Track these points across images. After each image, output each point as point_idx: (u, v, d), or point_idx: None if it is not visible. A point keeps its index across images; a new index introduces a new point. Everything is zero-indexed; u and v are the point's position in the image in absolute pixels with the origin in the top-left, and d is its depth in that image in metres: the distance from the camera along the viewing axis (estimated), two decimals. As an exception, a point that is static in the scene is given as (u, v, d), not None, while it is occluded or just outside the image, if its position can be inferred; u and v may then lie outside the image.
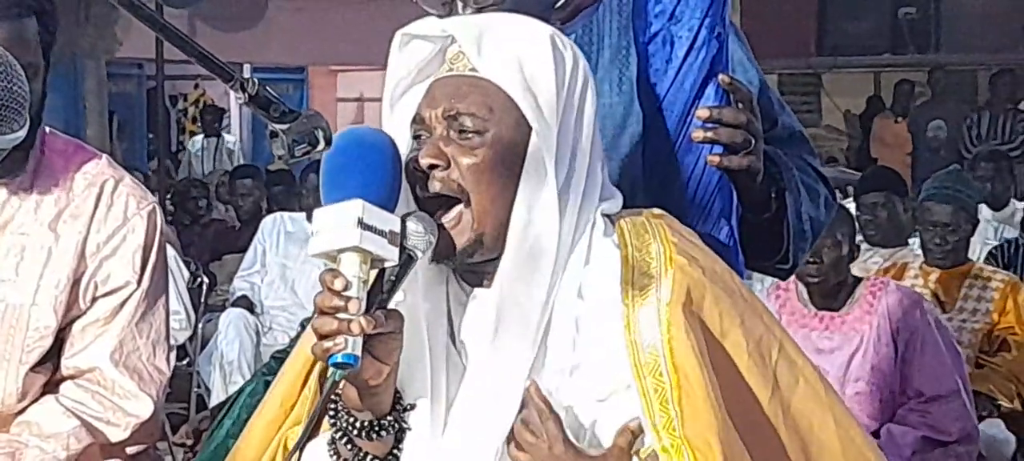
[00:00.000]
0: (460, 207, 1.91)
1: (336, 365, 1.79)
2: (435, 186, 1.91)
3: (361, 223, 1.79)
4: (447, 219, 1.91)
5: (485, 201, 1.91)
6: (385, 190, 1.86)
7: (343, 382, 1.84)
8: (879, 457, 2.02)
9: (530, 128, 1.92)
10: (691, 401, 1.86)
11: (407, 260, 1.85)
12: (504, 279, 1.91)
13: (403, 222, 1.85)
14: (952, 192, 5.54)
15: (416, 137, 1.95)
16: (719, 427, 1.84)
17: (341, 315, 1.78)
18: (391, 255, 1.82)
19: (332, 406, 1.90)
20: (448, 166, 1.91)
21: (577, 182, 1.95)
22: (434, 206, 1.92)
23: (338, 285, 1.79)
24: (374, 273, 1.83)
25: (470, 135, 1.91)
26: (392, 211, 1.85)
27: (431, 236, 1.87)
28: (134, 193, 2.58)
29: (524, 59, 1.94)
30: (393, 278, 1.84)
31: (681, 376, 1.86)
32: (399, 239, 1.83)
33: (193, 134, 14.79)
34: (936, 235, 5.42)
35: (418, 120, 1.95)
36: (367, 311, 1.80)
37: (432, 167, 1.91)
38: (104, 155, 2.61)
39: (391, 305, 1.85)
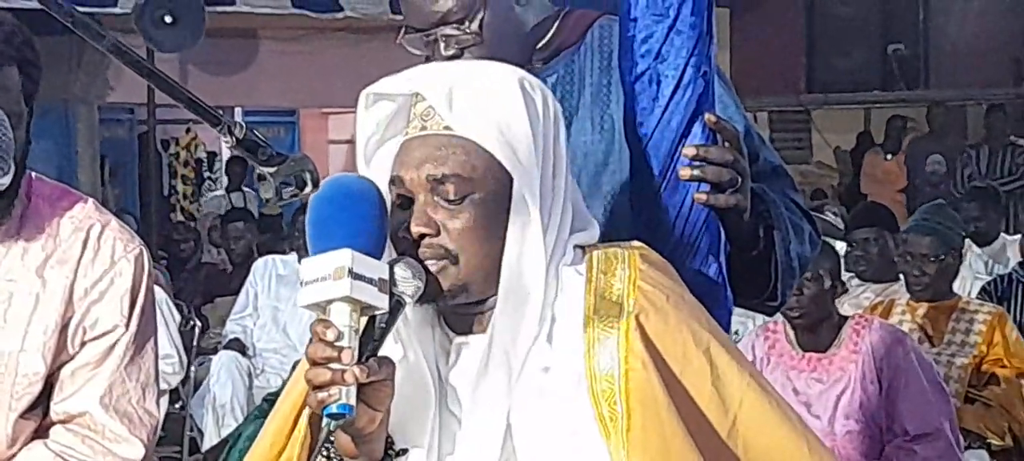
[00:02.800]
0: (446, 262, 1.92)
1: (331, 416, 1.79)
2: (424, 253, 1.91)
3: (351, 273, 1.80)
4: (432, 266, 1.91)
5: (474, 259, 1.92)
6: (372, 238, 1.87)
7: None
8: None
9: (511, 178, 1.92)
10: (640, 436, 1.87)
11: (396, 306, 1.86)
12: (496, 327, 1.93)
13: (391, 268, 1.85)
14: (932, 224, 5.54)
15: (398, 203, 1.94)
16: None
17: (334, 365, 1.79)
18: (381, 302, 1.83)
19: (325, 452, 1.90)
20: (437, 233, 1.91)
21: (554, 219, 1.97)
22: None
23: (330, 336, 1.79)
24: (364, 320, 1.84)
25: (455, 200, 1.91)
26: (380, 258, 1.86)
27: (419, 281, 1.88)
28: (121, 237, 2.58)
29: (497, 111, 1.93)
30: (383, 325, 1.85)
31: (632, 409, 1.88)
32: (388, 286, 1.84)
33: (186, 180, 14.74)
34: (914, 266, 5.43)
35: (398, 182, 1.94)
36: (359, 359, 1.80)
37: (422, 235, 1.91)
38: (90, 199, 2.61)
39: (383, 353, 1.86)
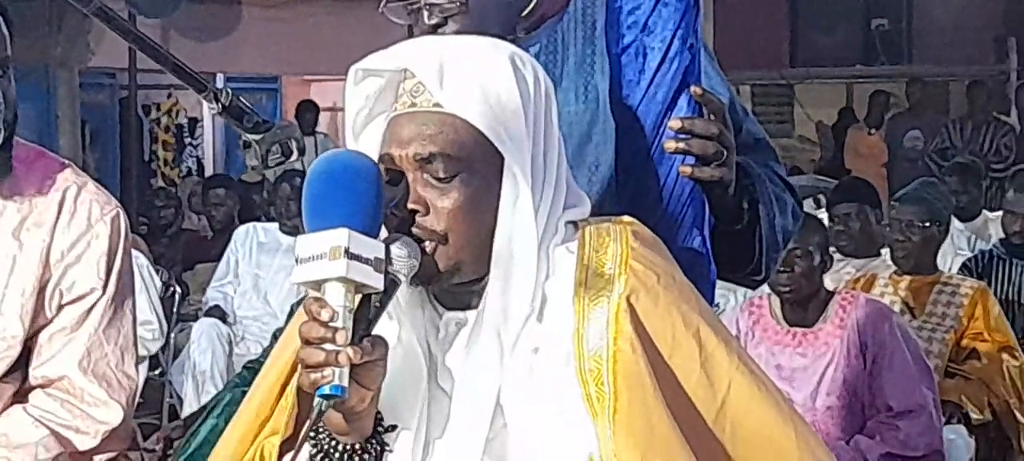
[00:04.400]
0: (437, 243, 1.90)
1: (324, 397, 1.78)
2: (417, 232, 1.90)
3: (347, 253, 1.77)
4: (426, 247, 1.90)
5: (463, 238, 1.91)
6: (369, 217, 1.84)
7: None
8: None
9: (502, 156, 1.90)
10: (625, 417, 1.86)
11: (391, 285, 1.84)
12: (488, 304, 1.92)
13: (387, 247, 1.83)
14: (921, 194, 5.58)
15: (388, 179, 1.92)
16: (645, 448, 1.85)
17: (327, 346, 1.77)
18: (376, 282, 1.81)
19: (313, 429, 1.89)
20: (426, 212, 1.90)
21: (546, 197, 1.95)
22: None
23: (324, 316, 1.78)
24: (358, 298, 1.82)
25: (444, 179, 1.90)
26: (376, 236, 1.84)
27: (414, 260, 1.86)
28: (97, 199, 2.56)
29: (487, 88, 1.91)
30: (378, 304, 1.83)
31: (619, 391, 1.87)
32: (384, 265, 1.82)
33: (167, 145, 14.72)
34: (899, 232, 5.45)
35: (387, 160, 1.92)
36: (353, 339, 1.79)
37: (412, 212, 1.90)
38: (67, 162, 2.60)
39: (377, 331, 1.84)
